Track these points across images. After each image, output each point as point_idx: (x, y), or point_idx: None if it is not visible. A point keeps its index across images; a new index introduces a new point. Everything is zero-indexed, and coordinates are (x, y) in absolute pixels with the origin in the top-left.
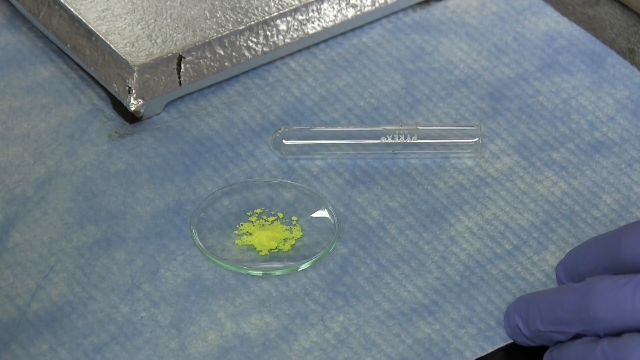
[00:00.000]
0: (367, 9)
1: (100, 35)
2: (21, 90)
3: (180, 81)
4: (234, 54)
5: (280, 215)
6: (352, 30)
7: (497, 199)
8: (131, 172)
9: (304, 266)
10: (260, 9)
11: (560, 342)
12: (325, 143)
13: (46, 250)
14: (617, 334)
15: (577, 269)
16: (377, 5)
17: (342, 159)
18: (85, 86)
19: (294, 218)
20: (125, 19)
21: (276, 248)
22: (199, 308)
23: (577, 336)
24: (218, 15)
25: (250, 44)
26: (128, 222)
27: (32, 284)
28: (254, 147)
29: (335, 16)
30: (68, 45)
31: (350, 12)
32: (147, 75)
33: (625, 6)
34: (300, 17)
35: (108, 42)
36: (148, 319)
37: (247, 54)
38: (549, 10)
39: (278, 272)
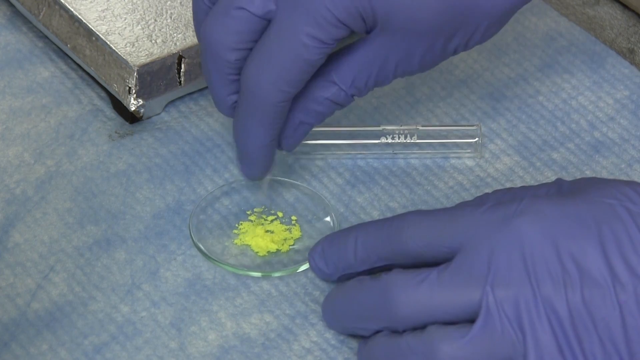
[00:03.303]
0: None
1: (100, 35)
2: (21, 90)
3: (180, 81)
4: None
5: (280, 214)
6: None
7: None
8: (131, 172)
9: (303, 267)
10: None
11: (364, 337)
12: (325, 143)
13: (46, 250)
14: (419, 327)
15: (345, 257)
16: None
17: (342, 159)
18: (85, 86)
19: (293, 218)
20: (125, 19)
21: (275, 250)
22: (199, 308)
23: (378, 331)
24: None
25: None
26: (128, 222)
27: (32, 284)
28: None
29: None
30: (68, 45)
31: None
32: (147, 75)
33: (625, 6)
34: None
35: (108, 42)
36: (148, 319)
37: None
38: (549, 10)
39: (277, 274)
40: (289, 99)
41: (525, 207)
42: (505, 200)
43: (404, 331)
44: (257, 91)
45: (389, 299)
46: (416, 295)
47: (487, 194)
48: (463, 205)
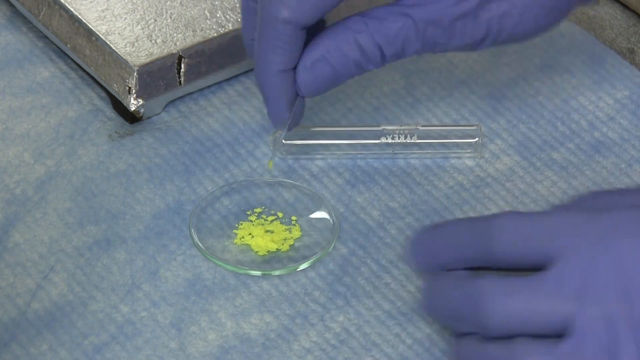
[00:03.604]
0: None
1: (100, 35)
2: (21, 90)
3: (180, 81)
4: (234, 53)
5: (280, 214)
6: None
7: (497, 199)
8: (131, 172)
9: (303, 266)
10: None
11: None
12: (325, 143)
13: (46, 250)
14: (508, 337)
15: (436, 256)
16: (376, 5)
17: (342, 159)
18: (85, 86)
19: (293, 218)
20: (125, 19)
21: (275, 249)
22: (199, 308)
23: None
24: (218, 15)
25: None
26: (128, 222)
27: (32, 284)
28: (254, 147)
29: (335, 16)
30: (68, 45)
31: (350, 12)
32: (147, 75)
33: (625, 6)
34: None
35: (108, 42)
36: (148, 319)
37: (247, 53)
38: None
39: (277, 272)
40: (299, 21)
41: (626, 220)
42: (604, 206)
43: (493, 338)
44: (268, 9)
45: (480, 306)
46: (509, 305)
47: (584, 196)
48: (561, 210)
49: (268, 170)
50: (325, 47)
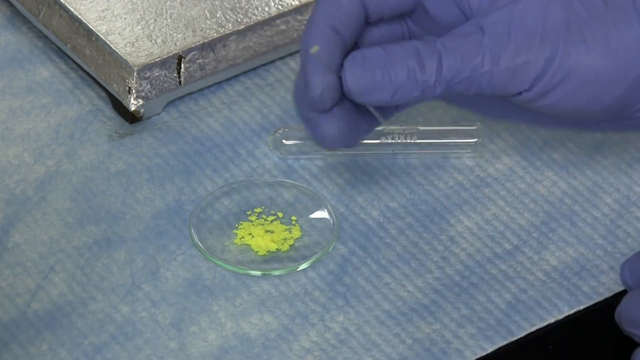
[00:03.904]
0: None
1: (100, 35)
2: (21, 90)
3: (180, 81)
4: (234, 54)
5: (280, 214)
6: None
7: (497, 199)
8: (131, 172)
9: (303, 266)
10: (260, 9)
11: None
12: None
13: (46, 250)
14: None
15: None
16: None
17: (342, 159)
18: (85, 86)
19: (293, 218)
20: (125, 19)
21: (275, 249)
22: (199, 308)
23: None
24: (218, 15)
25: (250, 44)
26: (128, 222)
27: (32, 284)
28: (254, 147)
29: None
30: (68, 45)
31: None
32: (147, 75)
33: None
34: (300, 17)
35: (108, 42)
36: (148, 319)
37: (247, 53)
38: None
39: (277, 272)
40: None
41: None
42: None
43: None
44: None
45: None
46: None
47: None
48: None
49: (268, 169)
50: (381, 45)
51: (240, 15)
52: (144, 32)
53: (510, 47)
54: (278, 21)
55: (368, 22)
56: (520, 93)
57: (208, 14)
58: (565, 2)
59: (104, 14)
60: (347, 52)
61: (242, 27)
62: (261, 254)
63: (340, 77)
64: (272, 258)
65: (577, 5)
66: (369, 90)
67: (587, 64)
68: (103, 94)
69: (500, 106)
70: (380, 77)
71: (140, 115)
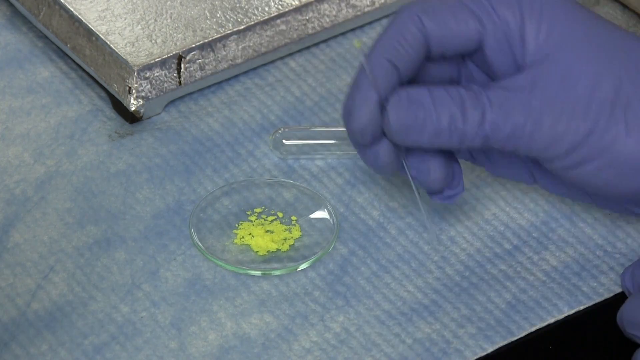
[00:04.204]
0: (367, 9)
1: (100, 35)
2: (21, 90)
3: (180, 81)
4: (234, 54)
5: (280, 214)
6: (352, 30)
7: (497, 198)
8: (131, 172)
9: (303, 266)
10: (260, 9)
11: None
12: (325, 143)
13: (46, 250)
14: None
15: None
16: (377, 5)
17: (342, 159)
18: (85, 86)
19: (293, 218)
20: (125, 19)
21: (275, 249)
22: (199, 308)
23: None
24: (218, 15)
25: (250, 44)
26: (128, 222)
27: (32, 284)
28: (254, 147)
29: (335, 16)
30: (68, 45)
31: (350, 12)
32: (147, 75)
33: (625, 6)
34: (300, 17)
35: (108, 42)
36: (148, 319)
37: (247, 53)
38: None
39: (277, 272)
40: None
41: None
42: None
43: None
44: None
45: None
46: None
47: None
48: None
49: (268, 169)
50: (427, 87)
51: (240, 15)
52: (144, 32)
53: (555, 113)
54: (278, 21)
55: (429, 58)
56: (554, 159)
57: (208, 14)
58: (616, 81)
59: (104, 14)
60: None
61: (242, 27)
62: (261, 254)
63: (383, 113)
64: (272, 258)
65: (627, 87)
66: (408, 131)
67: (625, 146)
68: (103, 94)
69: (527, 170)
70: (422, 120)
71: (140, 115)
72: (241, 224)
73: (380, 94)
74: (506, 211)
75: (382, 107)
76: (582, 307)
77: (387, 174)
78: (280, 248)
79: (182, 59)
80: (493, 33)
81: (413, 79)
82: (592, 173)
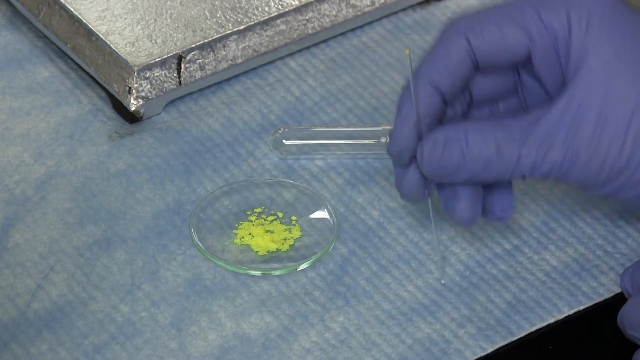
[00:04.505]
0: (367, 9)
1: (100, 35)
2: (21, 90)
3: (180, 81)
4: (234, 54)
5: (280, 215)
6: (352, 30)
7: None
8: (131, 172)
9: (303, 266)
10: (260, 9)
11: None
12: (325, 143)
13: (46, 250)
14: None
15: None
16: (377, 5)
17: (342, 159)
18: (85, 86)
19: (293, 218)
20: (125, 19)
21: (275, 249)
22: (199, 308)
23: None
24: (218, 15)
25: (251, 44)
26: (128, 222)
27: (32, 284)
28: (254, 147)
29: (335, 16)
30: (68, 45)
31: (350, 12)
32: (147, 75)
33: None
34: (300, 17)
35: (108, 42)
36: (148, 319)
37: (247, 53)
38: None
39: (277, 272)
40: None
41: None
42: None
43: None
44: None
45: None
46: None
47: None
48: None
49: (268, 169)
50: (464, 127)
51: (240, 15)
52: (144, 32)
53: (591, 150)
54: (278, 21)
55: (479, 69)
56: (590, 189)
57: (208, 14)
58: None
59: (104, 14)
60: (444, 106)
61: (242, 27)
62: (261, 254)
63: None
64: (272, 258)
65: None
66: (442, 174)
67: None
68: (103, 94)
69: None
70: (455, 164)
71: (140, 115)
72: (241, 224)
73: (421, 120)
74: None
75: (421, 132)
76: (582, 307)
77: (411, 199)
78: (280, 248)
79: (182, 59)
80: (541, 45)
81: (466, 91)
82: (630, 199)
